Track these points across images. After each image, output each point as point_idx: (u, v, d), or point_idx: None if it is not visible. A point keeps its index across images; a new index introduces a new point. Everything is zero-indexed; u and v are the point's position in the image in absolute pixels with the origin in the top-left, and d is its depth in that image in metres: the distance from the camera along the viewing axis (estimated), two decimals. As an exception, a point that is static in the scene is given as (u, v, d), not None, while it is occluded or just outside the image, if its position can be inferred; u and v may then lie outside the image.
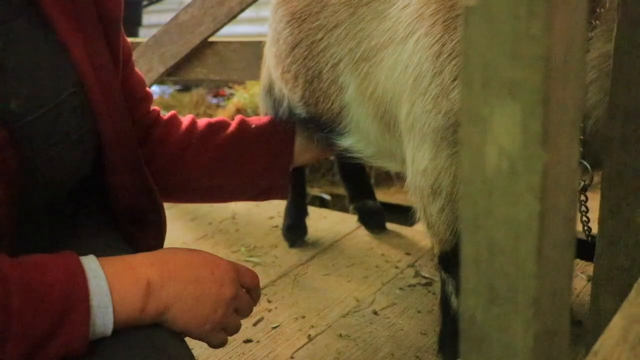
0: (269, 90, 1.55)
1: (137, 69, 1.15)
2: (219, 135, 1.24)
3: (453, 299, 1.19)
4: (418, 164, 1.12)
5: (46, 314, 0.69)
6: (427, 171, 1.10)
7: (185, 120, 1.25)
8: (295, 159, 1.34)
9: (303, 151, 1.36)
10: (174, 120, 1.23)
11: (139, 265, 0.80)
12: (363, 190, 1.87)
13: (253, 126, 1.29)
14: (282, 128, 1.33)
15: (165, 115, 1.24)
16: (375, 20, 1.18)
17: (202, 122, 1.26)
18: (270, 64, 1.47)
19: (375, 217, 1.88)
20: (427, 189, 1.11)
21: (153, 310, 0.79)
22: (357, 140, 1.32)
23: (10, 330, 0.67)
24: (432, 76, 1.06)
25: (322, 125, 1.34)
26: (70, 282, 0.72)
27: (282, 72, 1.39)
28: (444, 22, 1.04)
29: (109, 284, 0.75)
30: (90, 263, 0.76)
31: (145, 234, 1.09)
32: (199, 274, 0.84)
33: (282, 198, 1.36)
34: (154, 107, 1.23)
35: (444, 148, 1.07)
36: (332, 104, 1.29)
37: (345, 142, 1.33)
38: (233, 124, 1.28)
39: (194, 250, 0.89)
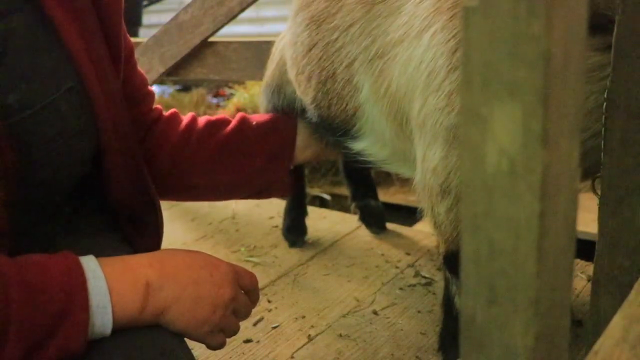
0: (277, 90, 1.54)
1: (139, 68, 1.15)
2: (219, 132, 1.23)
3: (457, 299, 1.19)
4: (428, 163, 1.09)
5: (45, 315, 0.69)
6: (437, 170, 1.08)
7: (186, 118, 1.24)
8: (297, 156, 1.33)
9: (304, 148, 1.35)
10: (174, 118, 1.23)
11: (138, 266, 0.80)
12: (366, 189, 1.87)
13: (254, 123, 1.28)
14: (283, 125, 1.32)
15: (166, 113, 1.24)
16: (391, 16, 1.16)
17: (202, 119, 1.25)
18: (287, 66, 1.47)
19: (377, 217, 1.88)
20: (436, 188, 1.09)
21: (152, 310, 0.79)
22: (371, 143, 1.30)
23: (9, 330, 0.67)
24: (447, 72, 1.03)
25: (335, 128, 1.33)
26: (69, 282, 0.72)
27: (296, 73, 1.39)
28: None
29: (108, 285, 0.75)
30: (89, 263, 0.76)
31: (142, 234, 1.09)
32: (198, 276, 0.84)
33: (283, 196, 1.35)
34: (156, 105, 1.22)
35: (456, 147, 1.04)
36: (346, 105, 1.27)
37: (359, 145, 1.31)
38: (233, 122, 1.27)
39: (193, 251, 0.89)
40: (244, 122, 1.27)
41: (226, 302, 0.86)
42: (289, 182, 1.32)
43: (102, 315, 0.74)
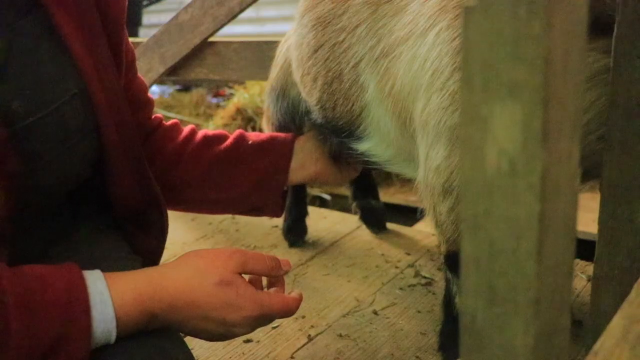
0: (282, 93, 1.54)
1: (139, 74, 1.15)
2: (213, 149, 1.22)
3: (457, 299, 1.19)
4: (431, 162, 1.09)
5: (45, 337, 0.69)
6: (439, 169, 1.08)
7: (185, 130, 1.23)
8: (291, 178, 1.31)
9: (299, 169, 1.33)
10: (173, 130, 1.22)
11: (150, 299, 0.79)
12: (367, 188, 1.87)
13: (249, 142, 1.26)
14: (278, 147, 1.29)
15: (168, 122, 1.24)
16: (397, 15, 1.16)
17: (200, 133, 1.23)
18: (292, 68, 1.47)
19: (377, 216, 1.88)
20: (438, 188, 1.09)
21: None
22: (376, 143, 1.29)
23: (8, 353, 0.67)
24: (451, 71, 1.02)
25: (340, 129, 1.32)
26: (71, 306, 0.72)
27: (302, 75, 1.39)
28: None
29: (115, 311, 0.75)
30: (97, 284, 0.76)
31: (147, 233, 1.09)
32: (208, 315, 0.83)
33: (274, 216, 1.34)
34: (156, 114, 1.22)
35: (459, 146, 1.04)
36: (352, 105, 1.27)
37: (363, 146, 1.31)
38: (229, 139, 1.25)
39: (222, 286, 0.84)
40: (239, 140, 1.25)
41: (233, 327, 0.86)
42: (281, 203, 1.31)
43: (106, 338, 0.75)
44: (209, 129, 1.66)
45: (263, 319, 0.87)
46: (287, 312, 0.90)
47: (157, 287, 0.80)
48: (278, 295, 0.90)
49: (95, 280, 0.76)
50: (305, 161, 1.34)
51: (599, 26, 0.88)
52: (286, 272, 0.95)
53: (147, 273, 0.82)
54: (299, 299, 0.92)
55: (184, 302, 0.81)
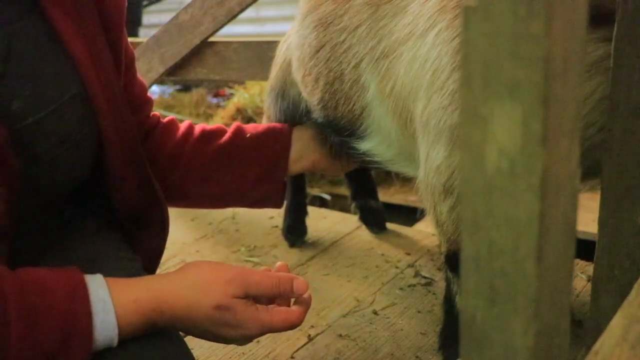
0: (282, 92, 1.55)
1: (138, 75, 1.15)
2: (213, 144, 1.22)
3: (458, 299, 1.19)
4: (432, 162, 1.10)
5: (46, 344, 0.69)
6: (440, 169, 1.08)
7: (182, 126, 1.23)
8: (290, 167, 1.32)
9: (298, 159, 1.34)
10: (170, 126, 1.22)
11: (152, 312, 0.80)
12: (366, 189, 1.87)
13: (248, 135, 1.27)
14: (277, 138, 1.30)
15: (164, 119, 1.24)
16: (397, 16, 1.17)
17: (198, 128, 1.24)
18: (293, 68, 1.47)
19: (377, 217, 1.88)
20: (439, 187, 1.09)
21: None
22: (377, 143, 1.30)
23: (9, 358, 0.67)
24: (451, 71, 1.03)
25: (341, 128, 1.33)
26: (72, 312, 0.72)
27: (303, 75, 1.39)
28: None
29: (117, 321, 0.75)
30: (99, 291, 0.76)
31: (148, 233, 1.09)
32: (206, 329, 0.85)
33: (276, 207, 1.34)
34: (154, 112, 1.22)
35: (459, 146, 1.05)
36: (353, 105, 1.28)
37: (365, 145, 1.31)
38: (228, 133, 1.25)
39: (220, 310, 0.84)
40: (237, 133, 1.26)
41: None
42: (282, 194, 1.31)
43: (108, 344, 0.75)
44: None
45: (263, 334, 0.89)
46: (290, 327, 0.91)
47: (158, 300, 0.80)
48: (280, 312, 0.90)
49: (98, 288, 0.76)
50: (304, 151, 1.35)
51: (597, 16, 0.88)
52: (300, 295, 0.94)
53: (148, 285, 0.82)
54: (303, 312, 0.93)
55: (183, 317, 0.82)
